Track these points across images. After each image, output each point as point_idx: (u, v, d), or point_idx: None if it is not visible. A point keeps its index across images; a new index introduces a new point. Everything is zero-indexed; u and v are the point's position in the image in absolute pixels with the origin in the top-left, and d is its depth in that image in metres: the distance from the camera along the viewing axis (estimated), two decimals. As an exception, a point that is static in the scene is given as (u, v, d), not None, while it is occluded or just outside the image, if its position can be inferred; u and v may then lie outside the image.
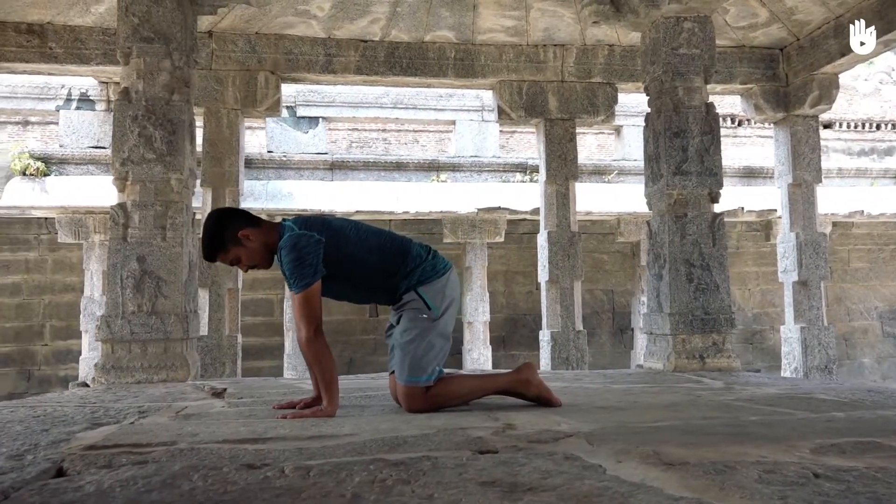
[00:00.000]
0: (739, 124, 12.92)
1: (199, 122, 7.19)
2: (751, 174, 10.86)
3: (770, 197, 10.02)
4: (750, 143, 13.09)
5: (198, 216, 7.11)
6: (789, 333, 7.42)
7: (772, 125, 7.81)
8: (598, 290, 12.00)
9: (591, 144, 12.30)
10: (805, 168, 7.46)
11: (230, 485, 1.61)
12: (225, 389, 3.86)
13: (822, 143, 9.67)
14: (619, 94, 7.65)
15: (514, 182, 10.09)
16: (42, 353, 10.70)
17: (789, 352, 7.43)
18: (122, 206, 4.55)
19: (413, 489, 1.57)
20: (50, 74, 7.23)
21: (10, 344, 10.59)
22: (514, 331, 11.66)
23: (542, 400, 2.90)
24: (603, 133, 12.63)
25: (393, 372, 2.91)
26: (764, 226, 11.53)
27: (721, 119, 12.82)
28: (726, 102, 12.70)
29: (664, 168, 5.11)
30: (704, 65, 5.19)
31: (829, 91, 7.20)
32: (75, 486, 1.62)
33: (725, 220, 5.20)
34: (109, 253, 4.49)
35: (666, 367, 4.98)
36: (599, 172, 10.28)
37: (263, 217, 3.80)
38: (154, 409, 3.05)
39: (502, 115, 7.52)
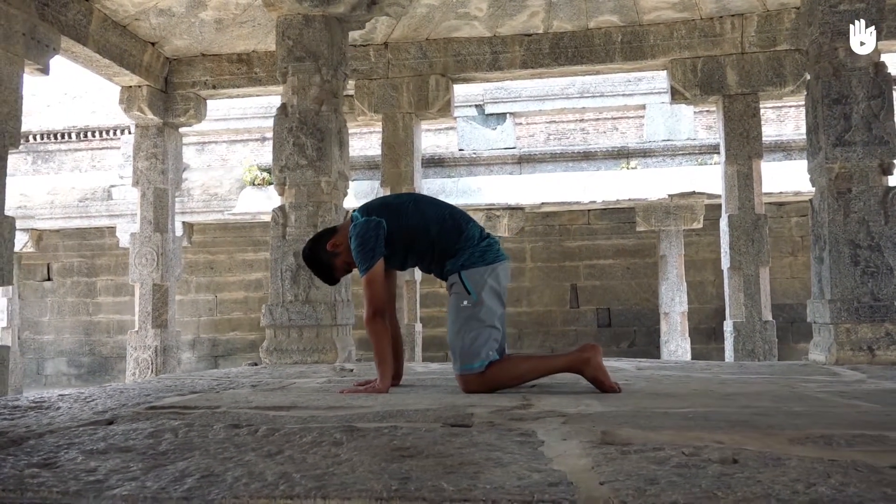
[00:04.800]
0: None
1: (377, 128, 7.80)
2: None
3: None
4: None
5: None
6: None
7: None
8: (825, 279, 10.83)
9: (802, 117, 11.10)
10: None
11: (199, 439, 1.90)
12: (352, 370, 4.26)
13: None
14: (812, 60, 6.94)
15: (710, 164, 9.51)
16: (280, 340, 12.21)
17: None
18: (281, 208, 5.17)
19: (331, 449, 1.74)
20: (257, 96, 8.29)
21: (255, 332, 12.23)
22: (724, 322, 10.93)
23: (597, 382, 2.85)
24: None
25: None
26: None
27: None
28: None
29: (822, 139, 4.60)
30: (872, 20, 4.59)
31: None
32: (93, 431, 2.02)
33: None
34: (271, 249, 5.13)
35: (827, 359, 4.49)
36: (812, 148, 9.30)
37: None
38: (265, 384, 3.50)
39: (675, 95, 7.19)
